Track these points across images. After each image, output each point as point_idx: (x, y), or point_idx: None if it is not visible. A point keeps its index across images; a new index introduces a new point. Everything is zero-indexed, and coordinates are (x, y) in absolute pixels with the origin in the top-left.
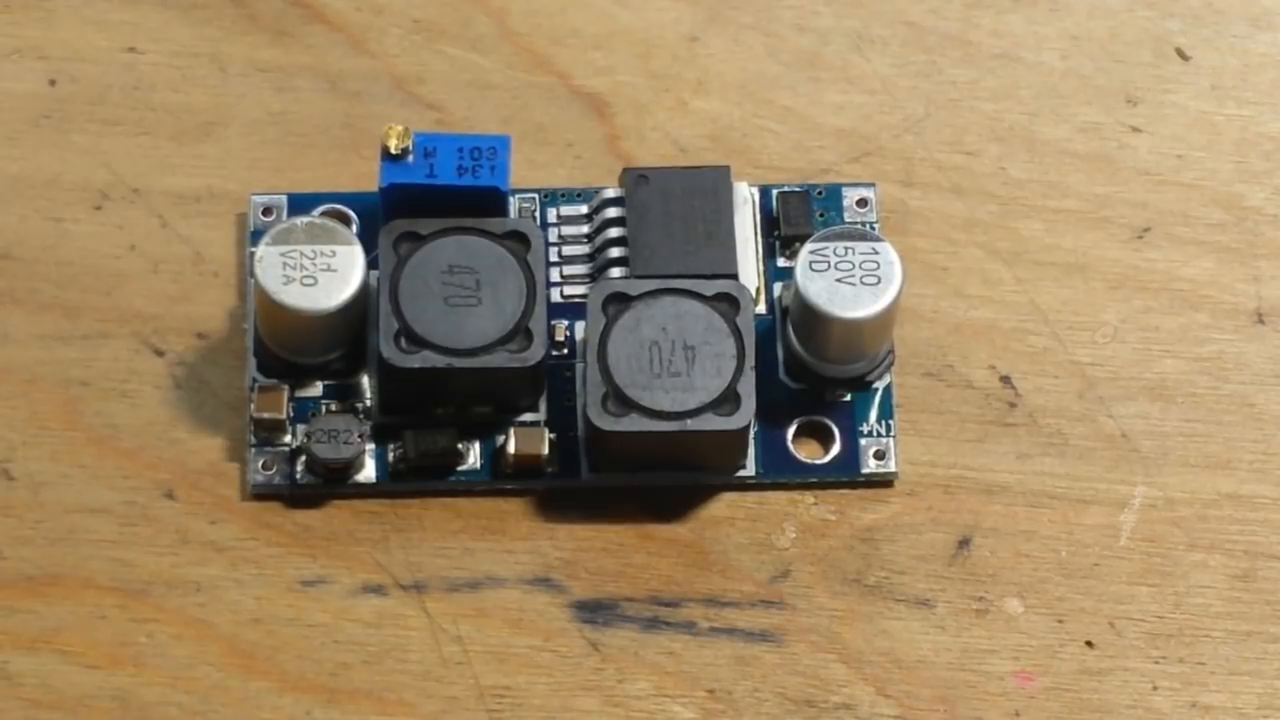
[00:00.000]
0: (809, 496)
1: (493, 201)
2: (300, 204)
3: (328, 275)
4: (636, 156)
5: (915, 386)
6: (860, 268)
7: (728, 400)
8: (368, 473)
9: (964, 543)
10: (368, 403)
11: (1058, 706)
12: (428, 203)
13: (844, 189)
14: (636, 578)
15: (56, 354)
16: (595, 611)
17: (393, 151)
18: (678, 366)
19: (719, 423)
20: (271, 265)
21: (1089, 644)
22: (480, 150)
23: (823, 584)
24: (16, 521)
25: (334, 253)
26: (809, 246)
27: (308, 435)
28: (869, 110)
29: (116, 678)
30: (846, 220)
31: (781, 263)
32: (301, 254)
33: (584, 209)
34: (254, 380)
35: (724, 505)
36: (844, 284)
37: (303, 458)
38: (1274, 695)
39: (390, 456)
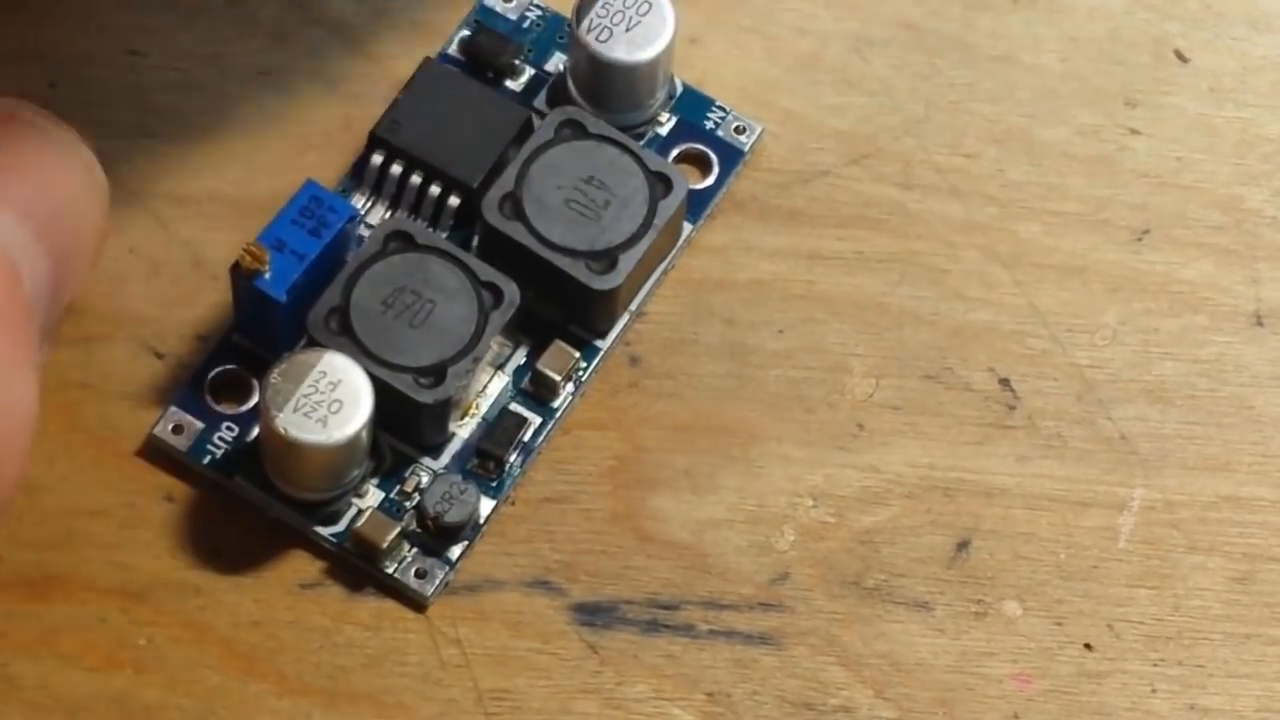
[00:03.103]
0: (808, 499)
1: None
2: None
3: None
4: None
5: (914, 389)
6: (633, 11)
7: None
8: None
9: (963, 545)
10: None
11: (1056, 709)
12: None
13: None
14: (635, 580)
15: (56, 356)
16: (594, 614)
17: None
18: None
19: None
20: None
21: (1088, 646)
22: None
23: (822, 587)
24: (16, 524)
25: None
26: (584, 28)
27: (431, 509)
28: (868, 112)
29: (116, 680)
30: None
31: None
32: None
33: None
34: None
35: (723, 508)
36: (630, 32)
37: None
38: (1273, 698)
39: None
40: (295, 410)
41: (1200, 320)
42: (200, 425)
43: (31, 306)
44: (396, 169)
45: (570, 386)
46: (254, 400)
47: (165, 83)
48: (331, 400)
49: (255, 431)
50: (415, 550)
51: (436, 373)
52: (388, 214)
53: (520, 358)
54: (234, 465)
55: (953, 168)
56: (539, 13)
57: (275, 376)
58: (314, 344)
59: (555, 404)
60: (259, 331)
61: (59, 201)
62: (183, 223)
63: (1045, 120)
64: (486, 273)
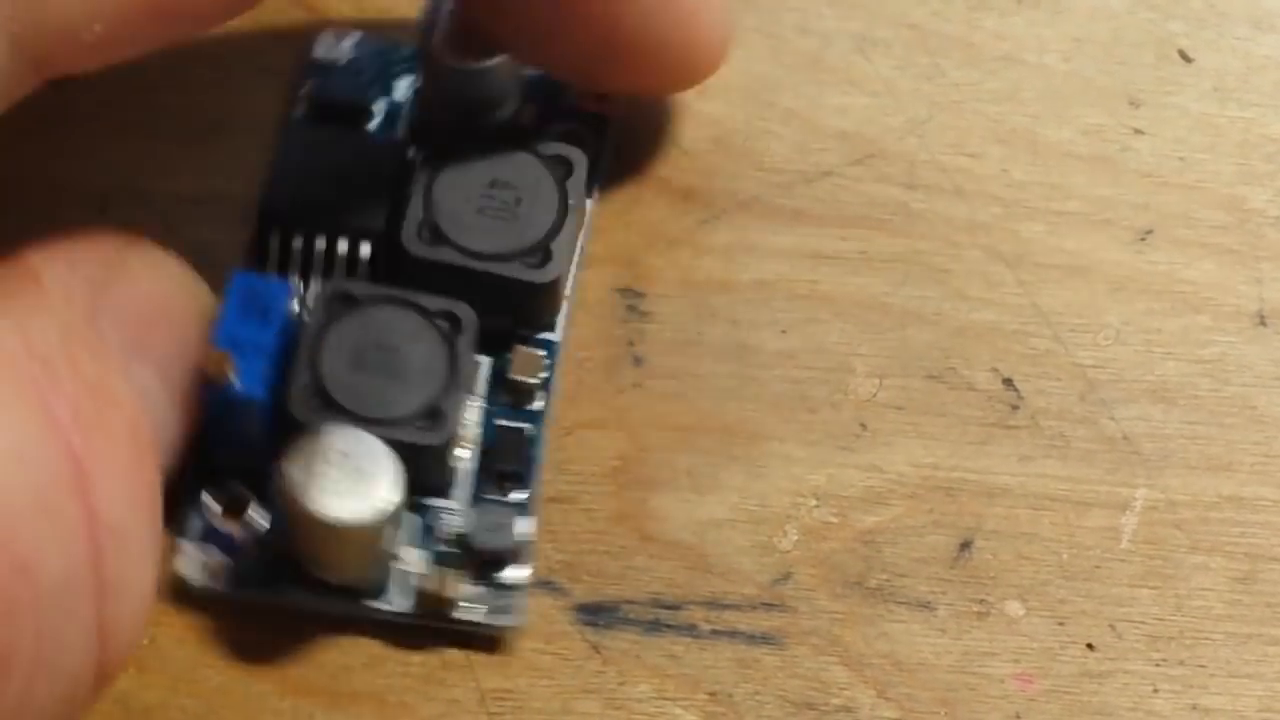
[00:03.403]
0: (811, 499)
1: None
2: None
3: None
4: (637, 159)
5: (917, 389)
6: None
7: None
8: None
9: (965, 545)
10: None
11: (1058, 709)
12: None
13: None
14: (638, 580)
15: None
16: (596, 614)
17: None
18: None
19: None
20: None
21: (1090, 646)
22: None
23: (824, 587)
24: None
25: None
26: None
27: (481, 544)
28: (872, 112)
29: (118, 681)
30: None
31: None
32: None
33: None
34: None
35: (725, 508)
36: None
37: None
38: (1275, 698)
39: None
40: (327, 493)
41: (1203, 320)
42: (226, 558)
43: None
44: (298, 239)
45: (544, 387)
46: (249, 510)
47: (169, 83)
48: (355, 471)
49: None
50: (481, 590)
51: (431, 414)
52: (304, 282)
53: (485, 375)
54: (271, 577)
55: (956, 168)
56: (368, 48)
57: (293, 472)
58: (300, 428)
59: (536, 407)
60: (239, 440)
61: (187, 353)
62: (187, 224)
63: (1049, 120)
64: (437, 303)
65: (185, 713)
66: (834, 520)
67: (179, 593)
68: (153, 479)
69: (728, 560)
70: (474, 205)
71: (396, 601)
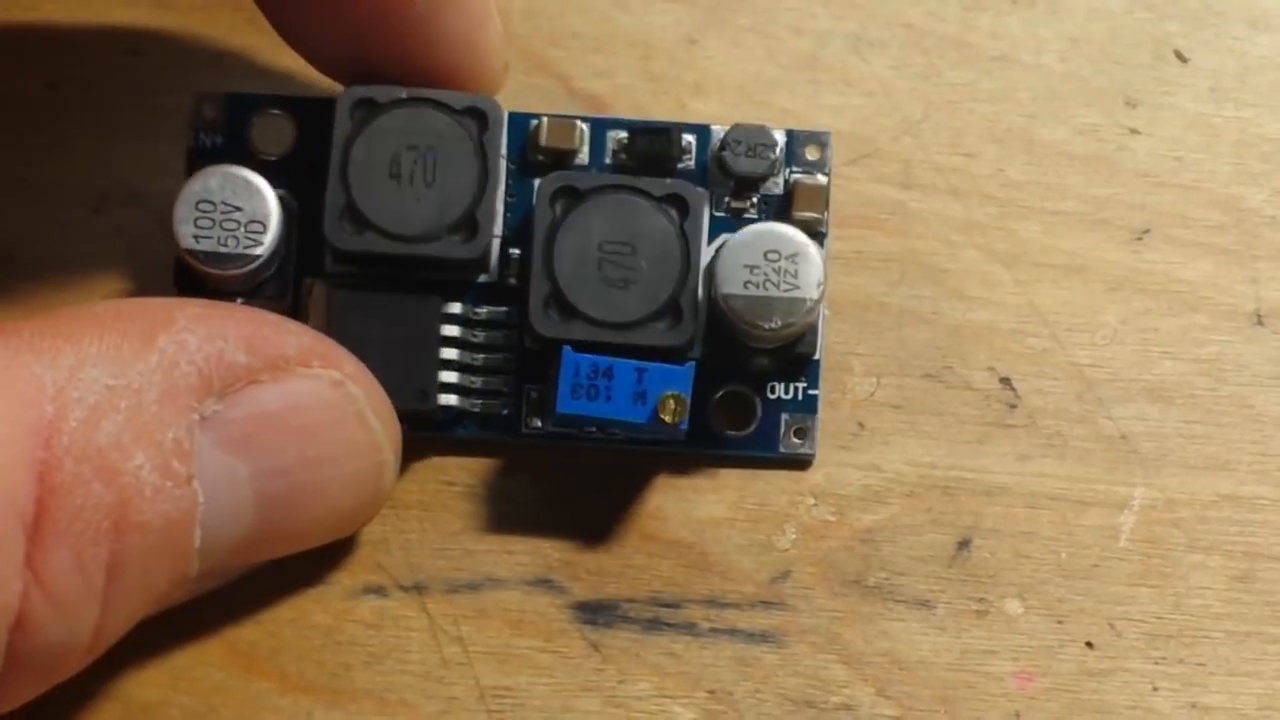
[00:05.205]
0: (809, 498)
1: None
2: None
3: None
4: None
5: (914, 388)
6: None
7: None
8: None
9: (964, 544)
10: None
11: (1057, 707)
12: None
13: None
14: (637, 579)
15: None
16: (596, 612)
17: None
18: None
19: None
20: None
21: (1089, 645)
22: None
23: (823, 585)
24: None
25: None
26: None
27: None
28: (867, 112)
29: (117, 678)
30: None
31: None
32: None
33: None
34: None
35: (724, 507)
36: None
37: None
38: (1273, 696)
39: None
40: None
41: (1200, 319)
42: None
43: (188, 561)
44: None
45: None
46: None
47: (165, 83)
48: (777, 258)
49: None
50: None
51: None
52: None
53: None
54: None
55: (952, 167)
56: None
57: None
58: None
59: None
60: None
61: (308, 483)
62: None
63: (1045, 120)
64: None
65: (184, 710)
66: (832, 519)
67: None
68: (123, 558)
69: (727, 559)
70: (390, 178)
71: None
